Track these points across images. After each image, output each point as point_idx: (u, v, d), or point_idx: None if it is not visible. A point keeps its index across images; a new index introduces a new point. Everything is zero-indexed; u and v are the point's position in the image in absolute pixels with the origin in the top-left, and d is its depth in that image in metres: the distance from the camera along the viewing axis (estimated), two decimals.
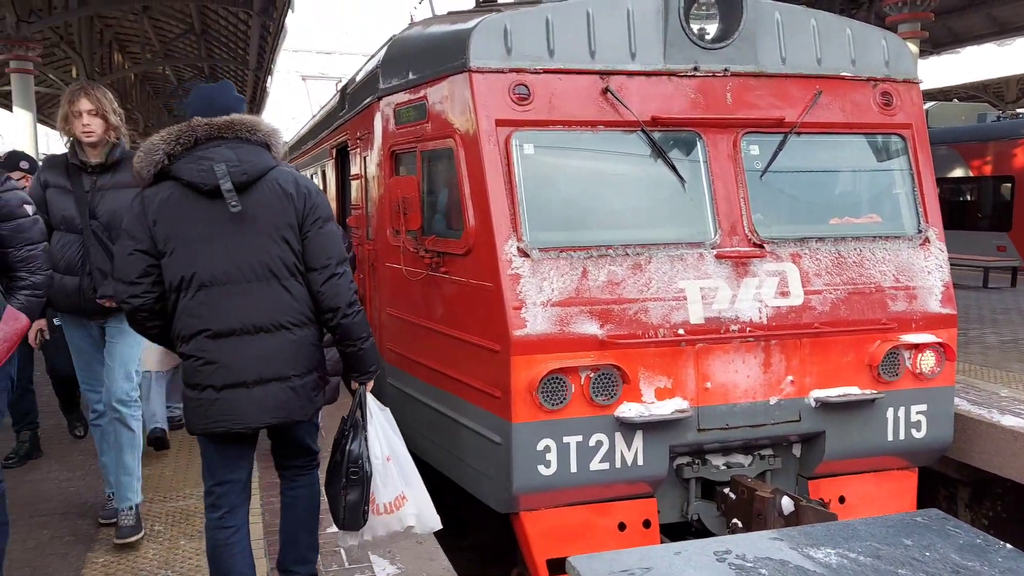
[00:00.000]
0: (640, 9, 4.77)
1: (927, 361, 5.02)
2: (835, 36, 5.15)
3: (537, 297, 4.38)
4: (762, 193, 4.95)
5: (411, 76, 5.32)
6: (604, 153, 4.86)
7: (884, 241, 5.11)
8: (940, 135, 15.99)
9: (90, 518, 4.61)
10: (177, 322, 3.12)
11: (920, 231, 5.21)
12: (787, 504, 4.44)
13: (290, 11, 15.97)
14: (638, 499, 4.62)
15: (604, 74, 4.70)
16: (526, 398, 4.32)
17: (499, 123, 4.54)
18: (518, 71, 4.58)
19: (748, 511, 4.54)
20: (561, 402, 4.37)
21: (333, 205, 8.18)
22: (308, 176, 11.43)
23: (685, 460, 4.78)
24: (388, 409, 3.54)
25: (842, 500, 4.98)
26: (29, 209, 3.50)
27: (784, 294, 4.77)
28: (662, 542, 4.64)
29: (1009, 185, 15.73)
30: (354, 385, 3.44)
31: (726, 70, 4.89)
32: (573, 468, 4.41)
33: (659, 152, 4.78)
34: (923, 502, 5.69)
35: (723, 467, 4.84)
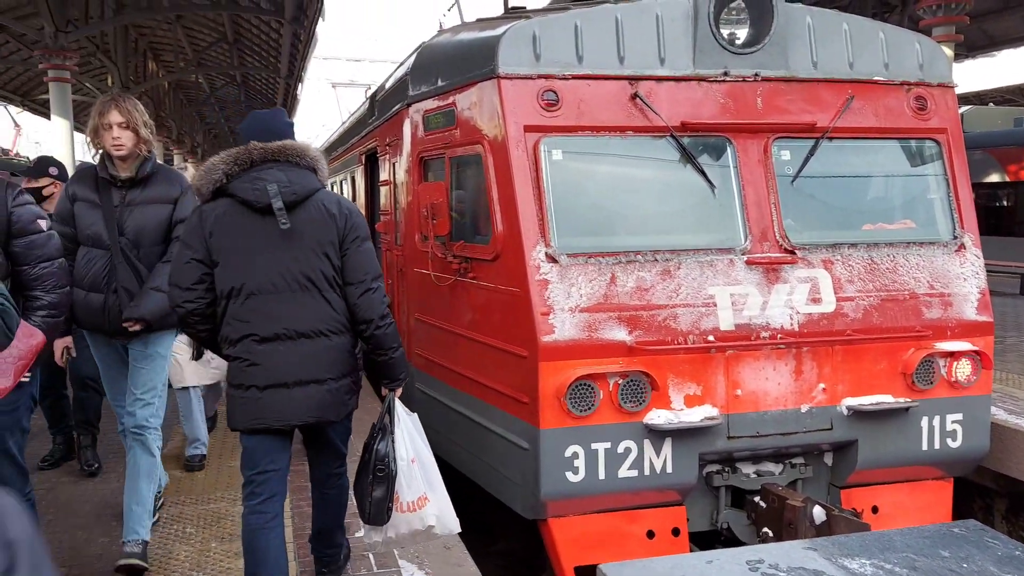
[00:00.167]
0: (669, 14, 4.75)
1: (963, 369, 4.93)
2: (868, 40, 5.09)
3: (565, 303, 4.38)
4: (793, 199, 4.90)
5: (440, 83, 5.35)
6: (633, 159, 4.85)
7: (918, 247, 5.03)
8: (976, 139, 15.73)
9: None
10: (226, 326, 3.39)
11: (955, 237, 5.12)
12: (819, 513, 4.38)
13: (321, 19, 16.14)
14: (667, 507, 4.58)
15: (633, 79, 4.68)
16: (554, 404, 4.31)
17: (527, 129, 4.54)
18: (546, 77, 4.58)
19: (779, 520, 4.49)
20: (589, 408, 4.35)
21: (362, 211, 8.23)
22: (338, 182, 11.53)
23: (715, 468, 4.74)
24: (416, 415, 3.72)
25: (875, 510, 4.91)
26: (43, 224, 3.40)
27: (816, 301, 4.72)
28: (691, 550, 4.59)
29: None
30: (384, 392, 3.70)
31: (756, 75, 4.85)
32: (601, 475, 4.39)
33: (688, 157, 4.75)
34: (958, 513, 5.58)
35: (753, 475, 4.78)
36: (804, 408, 4.67)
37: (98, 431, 5.73)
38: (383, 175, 7.21)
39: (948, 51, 13.21)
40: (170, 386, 4.99)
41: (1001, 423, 5.80)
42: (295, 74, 22.39)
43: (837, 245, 4.88)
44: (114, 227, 4.03)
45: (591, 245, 4.57)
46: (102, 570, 4.07)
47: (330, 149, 13.43)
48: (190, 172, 6.26)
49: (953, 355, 4.90)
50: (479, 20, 5.98)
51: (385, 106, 7.17)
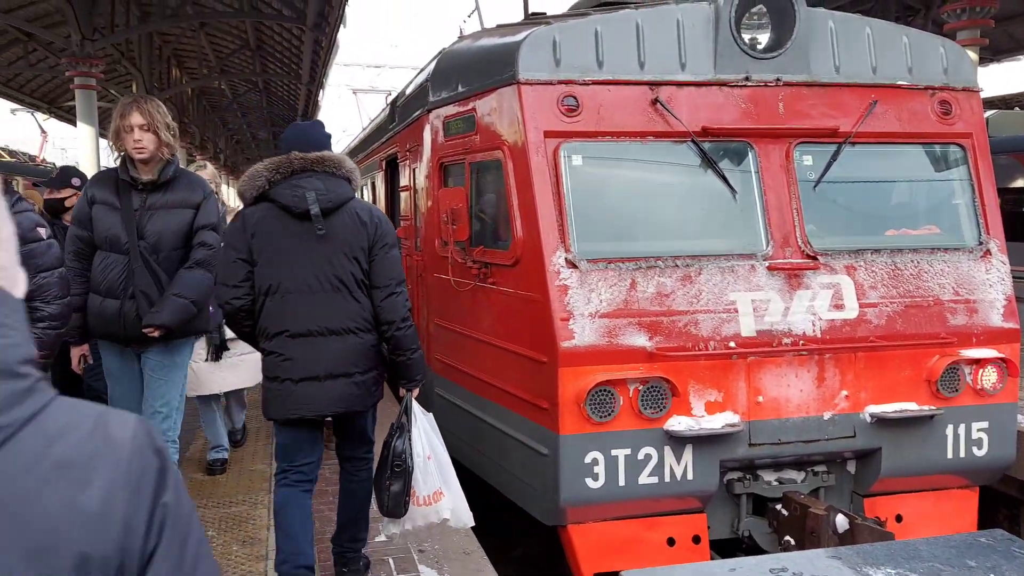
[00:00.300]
0: (690, 19, 4.74)
1: (989, 377, 4.86)
2: (891, 44, 5.05)
3: (585, 308, 4.37)
4: (815, 204, 4.86)
5: (460, 88, 5.36)
6: (653, 164, 4.83)
7: (943, 253, 4.97)
8: (1002, 144, 15.52)
9: None
10: (263, 321, 3.66)
11: (981, 243, 5.06)
12: (842, 522, 4.34)
13: (342, 26, 16.24)
14: (688, 514, 4.55)
15: (653, 84, 4.67)
16: (573, 410, 4.30)
17: (547, 134, 4.54)
18: (567, 82, 4.58)
19: (801, 528, 4.44)
20: (609, 414, 4.33)
21: None
22: (359, 188, 11.58)
23: (736, 475, 4.70)
24: (431, 415, 3.95)
25: (899, 519, 4.85)
26: (43, 232, 3.35)
27: (838, 307, 4.68)
28: (712, 558, 4.56)
29: None
30: (402, 392, 3.90)
31: (778, 80, 4.82)
32: (621, 481, 4.37)
33: (709, 163, 4.73)
34: (984, 523, 5.50)
35: (775, 483, 4.74)
36: (827, 415, 4.62)
37: None
38: (403, 181, 7.24)
39: (973, 55, 13.07)
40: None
41: None
42: (316, 80, 22.55)
43: (860, 251, 4.83)
44: (133, 231, 3.95)
45: (611, 250, 4.55)
46: None
47: (351, 155, 13.50)
48: (209, 171, 6.28)
49: (979, 362, 4.84)
50: (499, 26, 5.99)
51: (405, 112, 7.21)
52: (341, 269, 3.62)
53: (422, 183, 6.26)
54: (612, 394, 4.34)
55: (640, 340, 4.39)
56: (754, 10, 4.81)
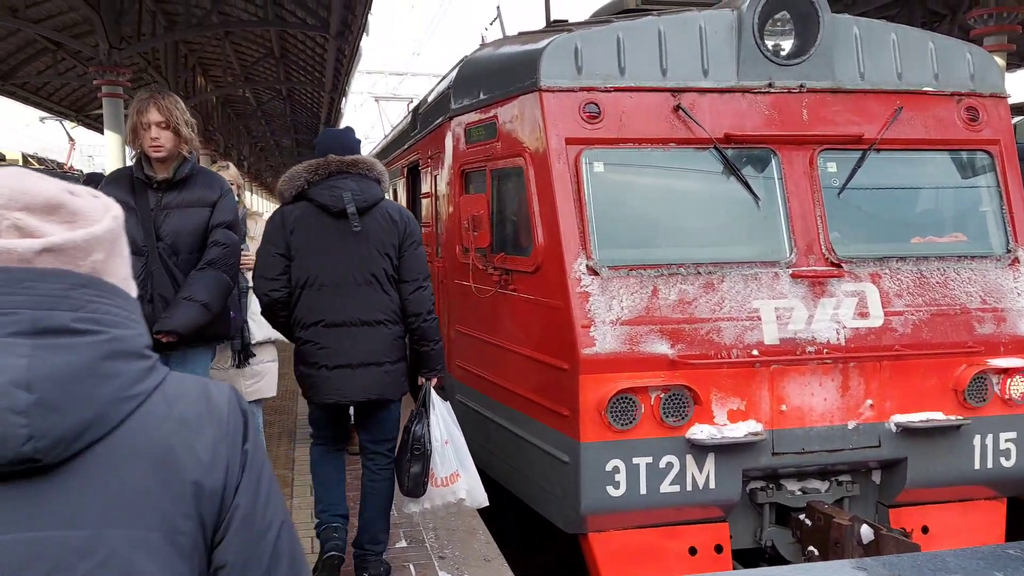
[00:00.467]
0: (713, 26, 4.72)
1: (1017, 386, 4.79)
2: (917, 50, 5.01)
3: (606, 315, 4.35)
4: (840, 211, 4.82)
5: (482, 96, 5.38)
6: (675, 171, 4.82)
7: (970, 261, 4.91)
8: None
9: None
10: (299, 311, 3.92)
11: (1009, 251, 4.99)
12: (866, 532, 4.28)
13: (365, 35, 16.34)
14: (710, 523, 4.52)
15: (676, 91, 4.66)
16: (595, 417, 4.28)
17: (569, 141, 4.54)
18: (588, 89, 4.58)
19: (825, 539, 4.39)
20: (630, 422, 4.31)
21: None
22: None
23: (759, 484, 4.66)
24: (448, 402, 4.19)
25: (925, 530, 4.78)
26: None
27: (863, 315, 4.63)
28: (734, 568, 4.52)
29: None
30: (421, 381, 4.17)
31: (802, 86, 4.80)
32: (643, 490, 4.35)
33: (732, 169, 4.70)
34: (1012, 535, 5.41)
35: (798, 492, 4.69)
36: (851, 425, 4.57)
37: None
38: (425, 187, 7.27)
39: (1000, 61, 12.92)
40: None
41: None
42: (339, 88, 22.70)
43: (885, 258, 4.78)
44: (151, 231, 3.78)
45: (633, 257, 4.54)
46: None
47: None
48: (231, 172, 6.33)
49: (1007, 371, 4.76)
50: (521, 34, 6.01)
51: (427, 119, 7.24)
52: (374, 264, 3.87)
53: (443, 190, 6.28)
54: (633, 402, 4.32)
55: (662, 347, 4.37)
56: (777, 16, 4.78)
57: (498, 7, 10.27)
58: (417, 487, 3.98)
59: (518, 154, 4.83)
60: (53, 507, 1.00)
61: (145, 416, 1.06)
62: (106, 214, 1.13)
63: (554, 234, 4.50)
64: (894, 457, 4.67)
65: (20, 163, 18.86)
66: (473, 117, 5.52)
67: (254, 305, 4.93)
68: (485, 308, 5.36)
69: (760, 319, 4.50)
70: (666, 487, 4.36)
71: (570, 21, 6.08)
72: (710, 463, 4.41)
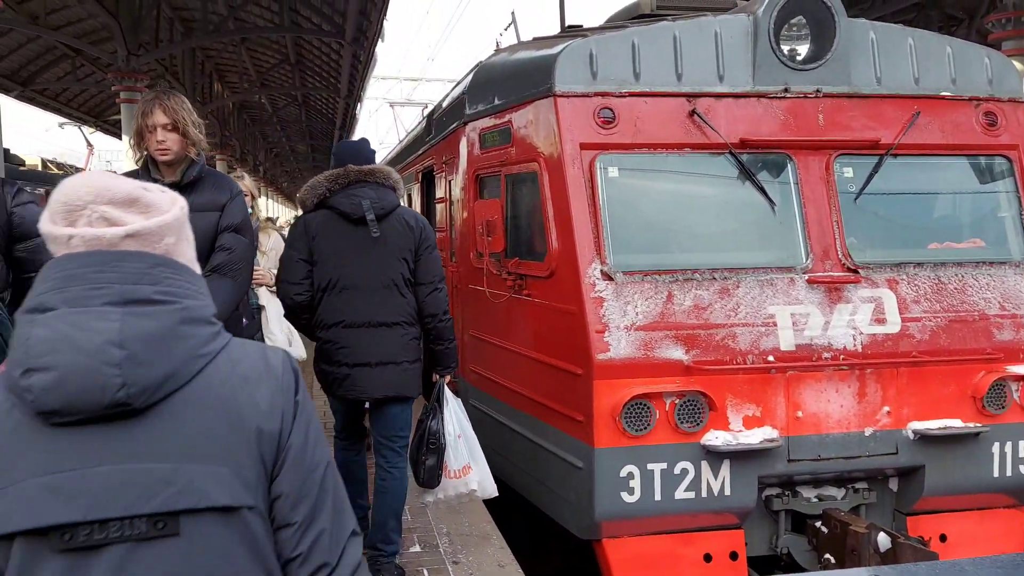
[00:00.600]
0: (728, 31, 4.71)
1: None
2: (934, 55, 4.97)
3: (621, 321, 4.34)
4: (856, 217, 4.79)
5: (497, 101, 5.39)
6: (690, 176, 4.80)
7: (988, 267, 4.87)
8: None
9: None
10: (321, 313, 4.13)
11: None
12: (883, 540, 4.24)
13: (380, 40, 16.40)
14: (725, 530, 4.49)
15: (691, 96, 4.65)
16: (609, 423, 4.27)
17: (583, 146, 4.54)
18: (603, 95, 4.58)
19: (841, 546, 4.35)
20: (645, 428, 4.30)
21: None
22: None
23: (774, 491, 4.62)
24: (460, 399, 4.39)
25: (943, 538, 4.72)
26: None
27: (880, 321, 4.59)
28: (749, 575, 4.49)
29: None
30: (435, 378, 4.35)
31: (818, 91, 4.77)
32: (657, 496, 4.33)
33: (748, 175, 4.69)
34: None
35: (814, 500, 4.65)
36: (868, 431, 4.53)
37: None
38: (439, 193, 7.28)
39: (1019, 65, 12.80)
40: None
41: None
42: (354, 94, 22.80)
43: (902, 264, 4.75)
44: None
45: (647, 263, 4.53)
46: None
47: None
48: (247, 182, 6.36)
49: None
50: (536, 39, 6.02)
51: (442, 124, 7.26)
52: (392, 268, 4.08)
53: (458, 195, 6.29)
54: (648, 407, 4.30)
55: (677, 353, 4.35)
56: (793, 21, 4.77)
57: (513, 12, 10.29)
58: (432, 479, 4.17)
59: (533, 159, 4.84)
60: (141, 444, 1.22)
61: (214, 372, 1.29)
62: (173, 205, 1.36)
63: (568, 239, 4.49)
64: (911, 464, 4.63)
65: (39, 168, 19.06)
66: (488, 122, 5.53)
67: (271, 324, 5.13)
68: (499, 313, 5.36)
69: (776, 325, 4.47)
70: (681, 493, 4.34)
71: (585, 26, 6.09)
72: (725, 470, 4.38)
